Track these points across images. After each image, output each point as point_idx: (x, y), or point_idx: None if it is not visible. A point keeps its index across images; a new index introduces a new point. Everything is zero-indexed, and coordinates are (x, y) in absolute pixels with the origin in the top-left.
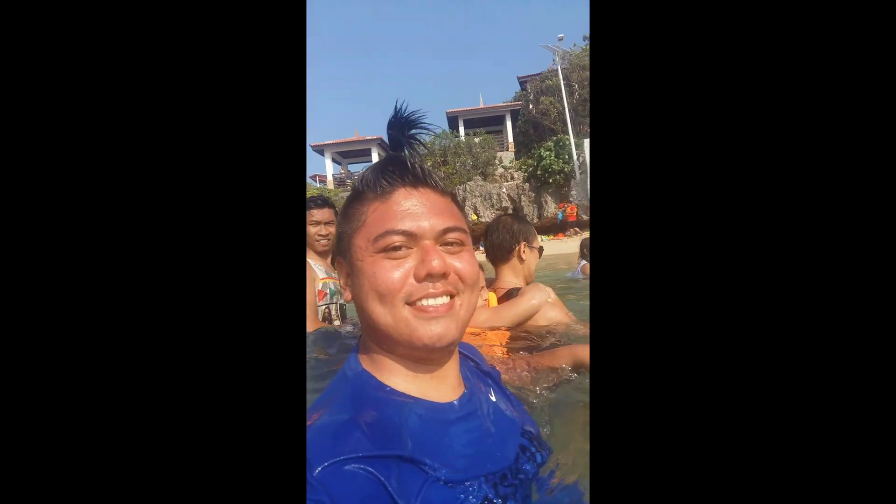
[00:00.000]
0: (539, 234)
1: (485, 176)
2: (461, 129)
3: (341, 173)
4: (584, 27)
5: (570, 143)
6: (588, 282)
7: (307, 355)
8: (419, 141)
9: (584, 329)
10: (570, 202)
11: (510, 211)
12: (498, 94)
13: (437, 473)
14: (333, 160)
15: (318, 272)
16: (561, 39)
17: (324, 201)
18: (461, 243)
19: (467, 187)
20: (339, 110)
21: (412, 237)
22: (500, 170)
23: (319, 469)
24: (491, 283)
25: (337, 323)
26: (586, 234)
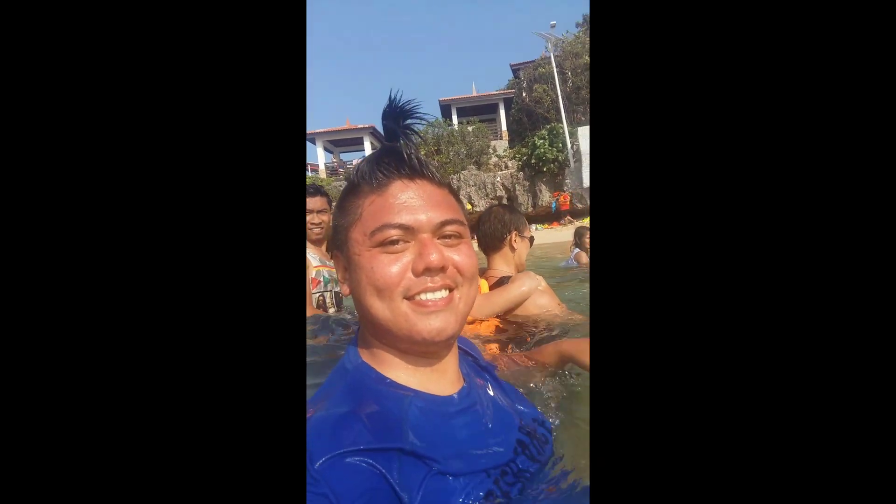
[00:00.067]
0: (533, 223)
1: (479, 165)
2: (454, 118)
3: (333, 162)
4: (577, 14)
5: (563, 132)
6: (581, 270)
7: None
8: (414, 131)
9: (573, 318)
10: (564, 191)
11: (505, 200)
12: (491, 82)
13: (438, 466)
14: (325, 149)
15: (312, 260)
16: (553, 27)
17: (316, 190)
18: (459, 236)
19: (461, 176)
20: (331, 99)
21: (409, 231)
22: (494, 159)
23: (320, 462)
24: (483, 272)
25: (332, 310)
26: (580, 223)
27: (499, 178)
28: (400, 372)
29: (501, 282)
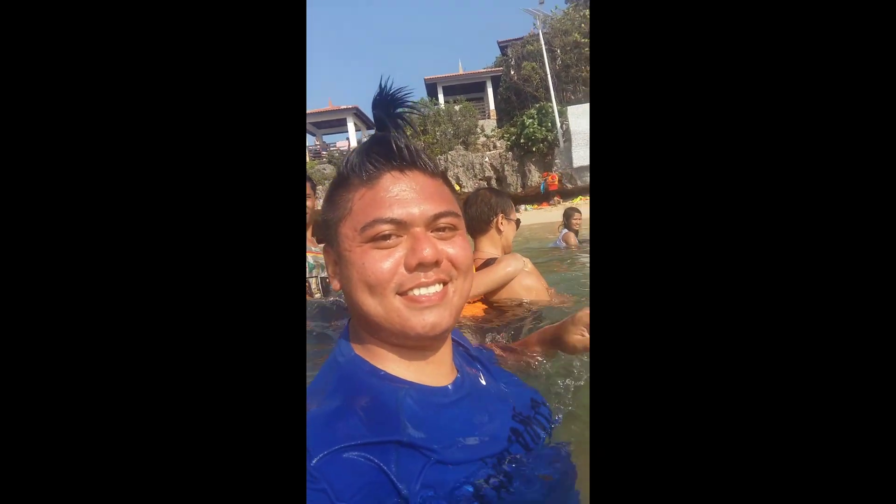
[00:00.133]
0: (523, 203)
1: (466, 145)
2: (440, 97)
3: (316, 145)
4: None
5: (553, 111)
6: (569, 251)
7: None
8: (406, 121)
9: (558, 300)
10: (553, 171)
11: (494, 181)
12: (478, 59)
13: (436, 456)
14: (308, 132)
15: None
16: (542, 2)
17: None
18: (454, 227)
19: (448, 157)
20: (312, 79)
21: (402, 225)
22: (483, 138)
23: (318, 458)
24: None
25: (318, 296)
26: (569, 204)
27: (487, 159)
28: (394, 364)
29: (487, 264)
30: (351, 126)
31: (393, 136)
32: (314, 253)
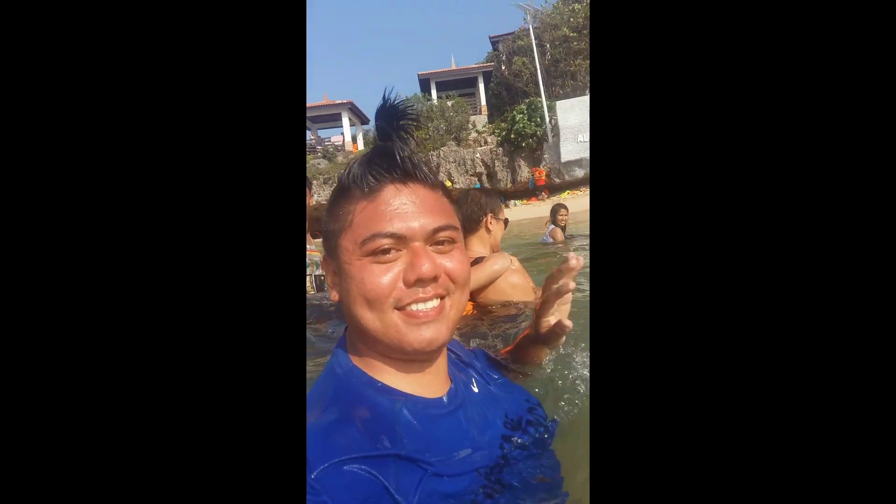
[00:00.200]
0: (513, 199)
1: (458, 141)
2: (433, 92)
3: (311, 139)
4: None
5: (542, 106)
6: (556, 247)
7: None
8: (408, 132)
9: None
10: (541, 166)
11: (484, 177)
12: (470, 54)
13: (433, 469)
14: None
15: None
16: None
17: None
18: (452, 241)
19: (441, 153)
20: (308, 73)
21: (401, 240)
22: (474, 134)
23: (318, 471)
24: None
25: (312, 293)
26: (557, 199)
27: (478, 155)
28: (391, 376)
29: (476, 262)
30: (346, 121)
31: (396, 146)
32: (310, 251)
